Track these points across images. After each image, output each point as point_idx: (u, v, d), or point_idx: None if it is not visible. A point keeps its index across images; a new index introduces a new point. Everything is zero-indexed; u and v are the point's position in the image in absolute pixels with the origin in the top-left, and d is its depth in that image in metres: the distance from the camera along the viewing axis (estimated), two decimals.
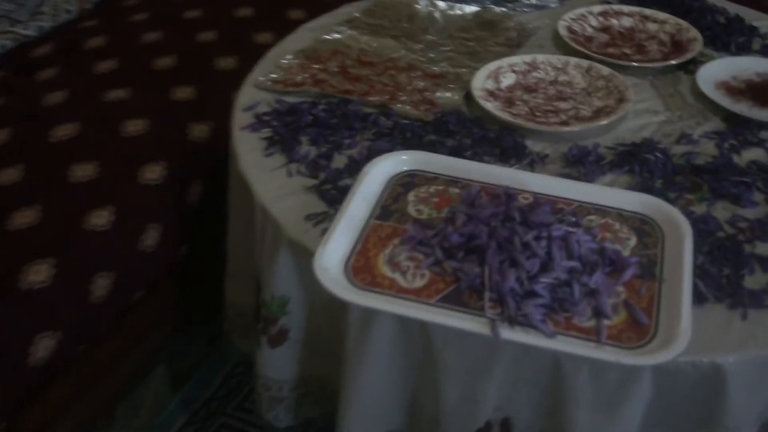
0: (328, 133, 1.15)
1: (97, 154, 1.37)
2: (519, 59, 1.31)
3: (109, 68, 1.59)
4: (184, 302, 1.49)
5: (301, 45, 1.39)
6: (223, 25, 1.76)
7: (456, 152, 1.10)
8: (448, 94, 1.24)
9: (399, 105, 1.21)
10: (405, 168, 1.05)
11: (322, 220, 0.99)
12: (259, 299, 1.07)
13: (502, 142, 1.12)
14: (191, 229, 1.44)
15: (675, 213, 0.96)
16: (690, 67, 1.33)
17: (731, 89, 1.25)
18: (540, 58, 1.32)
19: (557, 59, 1.31)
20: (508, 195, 0.96)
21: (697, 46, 1.35)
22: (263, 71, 1.31)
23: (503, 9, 1.52)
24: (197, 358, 1.64)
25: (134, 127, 1.43)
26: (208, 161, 1.46)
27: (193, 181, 1.43)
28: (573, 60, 1.31)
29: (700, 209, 1.01)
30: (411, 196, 1.01)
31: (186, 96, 1.53)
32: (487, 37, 1.42)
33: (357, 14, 1.50)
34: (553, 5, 1.55)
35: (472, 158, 1.09)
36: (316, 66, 1.32)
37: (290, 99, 1.23)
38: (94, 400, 1.37)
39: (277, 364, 1.09)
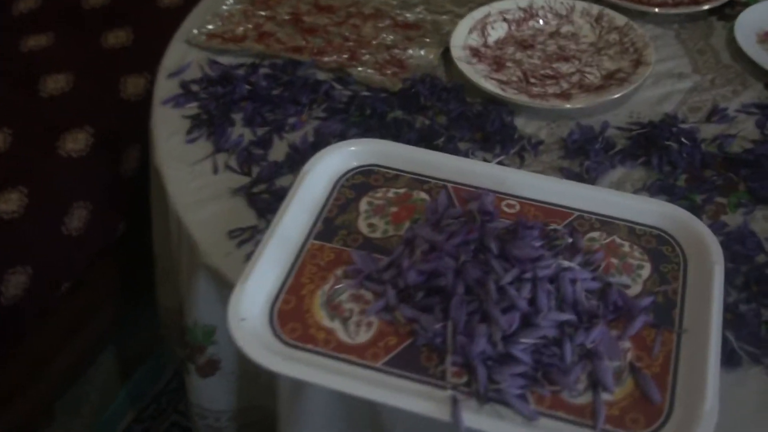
0: (267, 109, 0.92)
1: (8, 120, 1.14)
2: (512, 3, 1.05)
3: (28, 7, 1.34)
4: (126, 282, 1.30)
5: None
6: None
7: (427, 136, 0.87)
8: (421, 52, 1.00)
9: (360, 68, 0.97)
10: (356, 163, 0.82)
11: (249, 239, 0.78)
12: (182, 323, 0.87)
13: (486, 124, 0.89)
14: (128, 201, 1.23)
15: (703, 231, 0.74)
16: (727, 11, 1.07)
17: None
18: (539, 1, 1.06)
19: (560, 3, 1.05)
20: (485, 213, 0.74)
21: None
22: (198, 21, 1.07)
23: None
24: (146, 342, 1.44)
25: (55, 84, 1.21)
26: (146, 120, 1.23)
27: (128, 146, 1.22)
28: (579, 4, 1.05)
29: (734, 220, 0.79)
30: (363, 204, 0.79)
31: (120, 41, 1.29)
32: None
33: None
34: None
35: (445, 145, 0.87)
36: (263, 13, 1.07)
37: (226, 59, 1.00)
38: (30, 399, 1.20)
39: (211, 394, 0.90)
